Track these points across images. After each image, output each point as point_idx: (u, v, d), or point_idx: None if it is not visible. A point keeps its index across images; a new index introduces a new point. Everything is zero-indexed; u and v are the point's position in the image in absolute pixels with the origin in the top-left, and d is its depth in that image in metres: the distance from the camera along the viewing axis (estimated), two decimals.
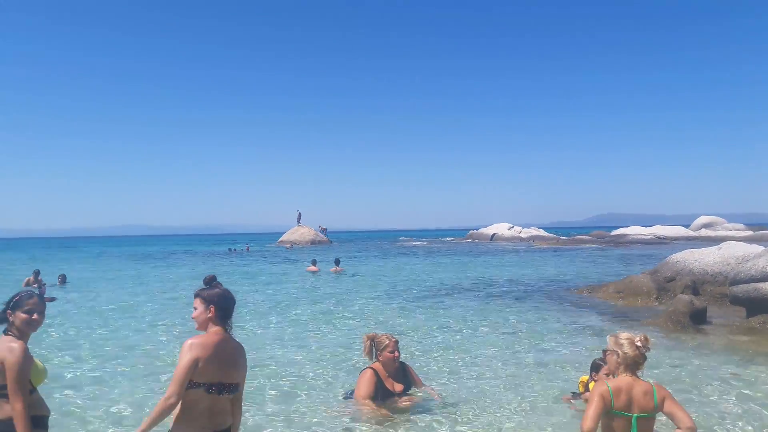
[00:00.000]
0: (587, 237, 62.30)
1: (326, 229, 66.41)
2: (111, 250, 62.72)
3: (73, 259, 45.41)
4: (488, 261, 33.11)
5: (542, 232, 67.66)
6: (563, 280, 20.71)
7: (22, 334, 3.44)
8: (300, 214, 64.53)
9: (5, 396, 3.27)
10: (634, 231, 59.67)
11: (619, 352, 3.73)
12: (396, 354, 6.18)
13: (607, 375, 4.51)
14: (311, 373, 7.90)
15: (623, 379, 3.69)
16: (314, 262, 26.28)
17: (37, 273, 21.56)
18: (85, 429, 5.90)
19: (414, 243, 70.15)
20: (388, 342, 6.15)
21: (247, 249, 53.10)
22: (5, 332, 3.45)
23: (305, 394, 6.95)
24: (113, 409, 6.45)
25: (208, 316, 3.44)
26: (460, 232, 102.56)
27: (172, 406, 3.25)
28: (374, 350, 6.22)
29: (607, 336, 3.99)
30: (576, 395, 6.39)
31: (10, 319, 3.45)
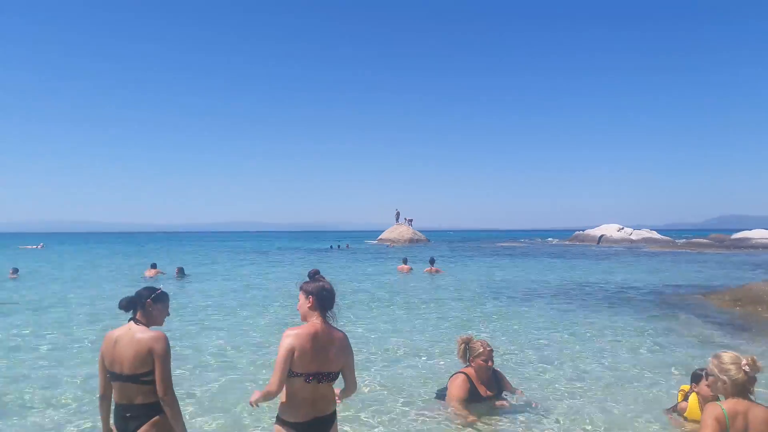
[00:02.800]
0: (705, 240, 57.90)
1: (412, 220, 65.75)
2: (222, 245, 66.63)
3: (183, 252, 48.92)
4: (594, 264, 31.66)
5: (655, 234, 63.48)
6: (674, 285, 19.44)
7: (149, 325, 3.66)
8: (398, 213, 65.06)
9: (150, 383, 3.50)
10: (759, 234, 54.47)
11: (725, 378, 3.43)
12: (490, 363, 6.12)
13: (709, 398, 4.10)
14: (398, 372, 7.97)
15: (740, 402, 3.38)
16: (405, 261, 25.79)
17: (154, 265, 23.60)
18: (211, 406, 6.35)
19: (514, 244, 68.47)
20: (482, 350, 6.08)
21: (347, 246, 54.40)
22: (134, 321, 3.64)
23: (389, 392, 7.03)
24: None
25: (308, 306, 3.63)
26: (565, 233, 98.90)
27: (272, 395, 3.47)
28: (467, 354, 6.19)
29: (709, 357, 3.66)
30: (674, 408, 6.00)
31: (149, 309, 3.68)
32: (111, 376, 3.58)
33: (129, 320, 3.66)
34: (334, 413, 3.67)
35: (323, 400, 3.58)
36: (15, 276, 22.94)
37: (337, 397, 3.73)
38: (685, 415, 5.72)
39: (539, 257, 39.02)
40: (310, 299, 3.62)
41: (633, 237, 61.38)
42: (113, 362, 3.54)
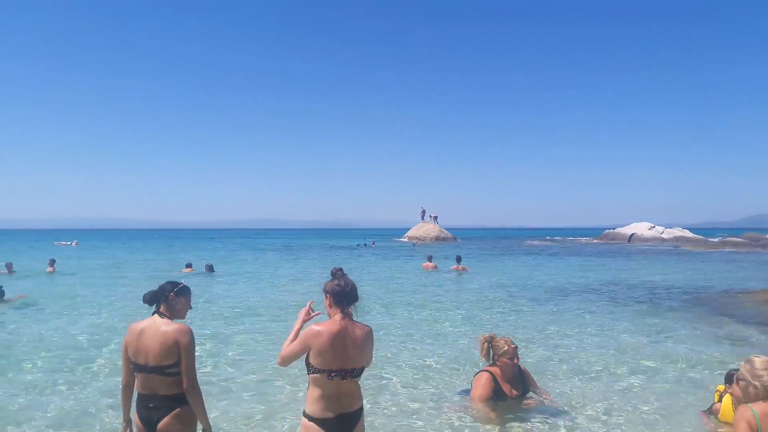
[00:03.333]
0: (739, 239, 56.35)
1: (437, 217, 65.34)
2: (248, 242, 67.50)
3: (210, 249, 49.60)
4: (625, 263, 31.11)
5: (687, 233, 62.18)
6: (708, 285, 19.02)
7: (173, 318, 3.72)
8: (424, 211, 64.86)
9: (174, 375, 3.56)
10: None
11: (756, 383, 3.36)
12: (515, 361, 6.00)
13: (742, 399, 4.01)
14: (421, 370, 7.94)
15: None
16: (430, 259, 25.65)
17: (189, 265, 24.49)
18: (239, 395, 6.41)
19: (543, 242, 67.64)
20: (507, 347, 5.96)
21: (373, 244, 54.45)
22: (159, 314, 3.70)
23: (413, 390, 7.00)
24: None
25: (327, 305, 3.67)
26: (594, 231, 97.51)
27: (280, 363, 3.62)
28: (491, 352, 6.08)
29: (741, 362, 3.60)
30: (710, 409, 5.84)
31: (172, 302, 3.74)
32: (135, 367, 3.62)
33: (153, 313, 3.72)
34: (361, 409, 3.66)
35: (349, 397, 3.58)
36: (52, 269, 23.48)
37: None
38: (719, 416, 5.57)
39: (569, 256, 38.56)
40: (328, 298, 3.66)
41: (664, 236, 60.19)
42: (138, 353, 3.59)
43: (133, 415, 3.73)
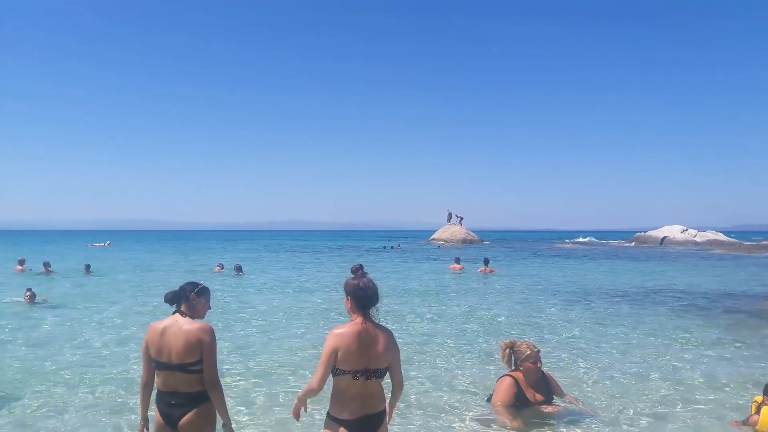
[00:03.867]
0: None
1: (462, 218, 64.72)
2: (274, 244, 68.07)
3: (238, 250, 50.21)
4: (657, 267, 30.34)
5: (721, 236, 60.53)
6: (743, 291, 18.47)
7: (193, 317, 3.79)
8: (450, 214, 64.55)
9: (197, 372, 3.63)
10: None
11: None
12: (538, 365, 5.86)
13: None
14: (446, 373, 7.81)
15: None
16: (457, 261, 25.55)
17: (222, 266, 24.97)
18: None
19: (572, 245, 66.72)
20: (529, 352, 5.85)
21: (399, 246, 54.34)
22: (180, 314, 3.76)
23: (437, 394, 6.89)
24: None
25: (348, 306, 3.65)
26: (625, 234, 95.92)
27: (313, 392, 3.53)
28: (513, 358, 5.97)
29: None
30: (746, 420, 5.57)
31: (193, 302, 3.81)
32: (157, 365, 3.69)
33: (174, 312, 3.80)
34: (384, 411, 3.65)
35: (373, 398, 3.57)
36: (88, 273, 24.02)
37: (387, 415, 3.70)
38: (756, 428, 5.36)
39: (599, 259, 37.93)
40: (348, 299, 3.64)
41: (697, 239, 58.79)
42: (160, 351, 3.66)
43: (153, 413, 3.77)
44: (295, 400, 3.71)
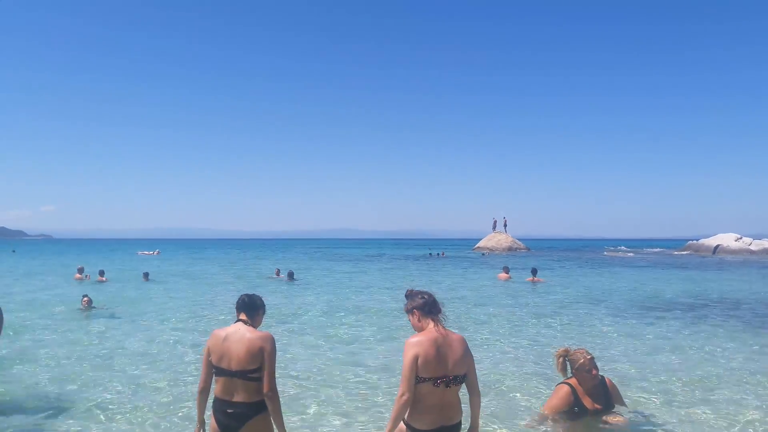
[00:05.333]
0: None
1: (506, 222, 63.75)
2: (325, 252, 68.87)
3: (287, 258, 50.96)
4: (711, 276, 29.21)
5: None
6: None
7: (254, 326, 3.95)
8: (496, 222, 64.01)
9: (256, 380, 3.73)
10: None
11: None
12: (594, 371, 5.79)
13: None
14: (502, 382, 7.85)
15: None
16: (506, 270, 25.29)
17: (278, 271, 25.75)
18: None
19: (622, 253, 64.88)
20: (583, 359, 5.78)
21: (443, 254, 54.21)
22: (243, 322, 3.91)
23: (495, 402, 6.95)
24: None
25: (417, 320, 3.75)
26: (675, 243, 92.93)
27: (407, 403, 3.54)
28: (568, 366, 5.94)
29: None
30: None
31: (254, 313, 4.00)
32: (218, 371, 3.79)
33: (236, 321, 3.95)
34: (460, 424, 3.71)
35: (451, 408, 3.63)
36: (146, 280, 24.91)
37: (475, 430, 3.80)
38: None
39: (650, 267, 36.87)
40: (416, 314, 3.74)
41: (753, 248, 56.42)
42: (222, 358, 3.77)
43: (209, 420, 3.89)
44: (387, 427, 3.61)
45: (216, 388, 3.83)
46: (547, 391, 6.97)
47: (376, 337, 11.32)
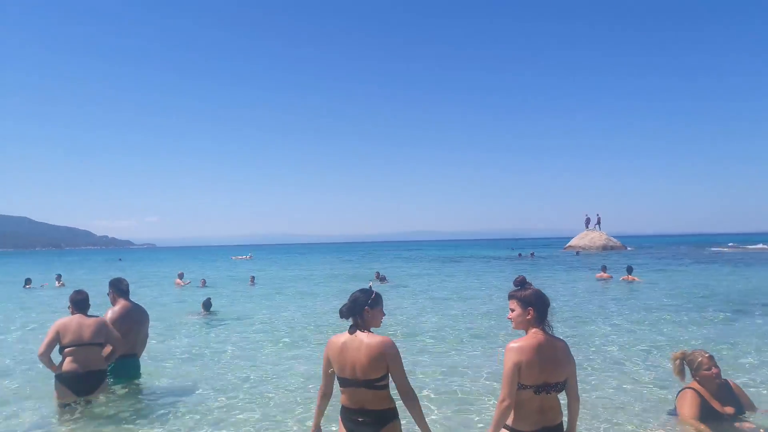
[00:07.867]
0: None
1: (599, 220, 60.48)
2: (403, 254, 69.59)
3: (372, 260, 51.63)
4: None
5: None
6: None
7: (369, 328, 3.71)
8: (588, 219, 61.47)
9: (383, 388, 3.63)
10: None
11: None
12: (714, 370, 5.39)
13: None
14: (617, 388, 7.56)
15: None
16: (604, 269, 24.51)
17: (378, 274, 26.69)
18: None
19: (730, 249, 59.91)
20: (701, 359, 5.42)
21: (532, 255, 52.79)
22: (357, 326, 3.69)
23: (612, 411, 6.68)
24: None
25: (527, 318, 3.55)
26: None
27: (508, 408, 3.47)
28: (686, 370, 5.57)
29: None
30: None
31: (367, 315, 3.71)
32: (342, 381, 3.68)
33: (351, 326, 3.73)
34: (562, 425, 3.61)
35: (552, 411, 3.55)
36: (253, 284, 26.06)
37: None
38: None
39: (761, 265, 33.82)
40: (530, 311, 3.52)
41: None
42: (343, 368, 3.65)
43: (338, 427, 3.83)
44: (490, 429, 3.53)
45: (343, 397, 3.72)
46: (668, 395, 6.63)
47: (470, 339, 11.17)
